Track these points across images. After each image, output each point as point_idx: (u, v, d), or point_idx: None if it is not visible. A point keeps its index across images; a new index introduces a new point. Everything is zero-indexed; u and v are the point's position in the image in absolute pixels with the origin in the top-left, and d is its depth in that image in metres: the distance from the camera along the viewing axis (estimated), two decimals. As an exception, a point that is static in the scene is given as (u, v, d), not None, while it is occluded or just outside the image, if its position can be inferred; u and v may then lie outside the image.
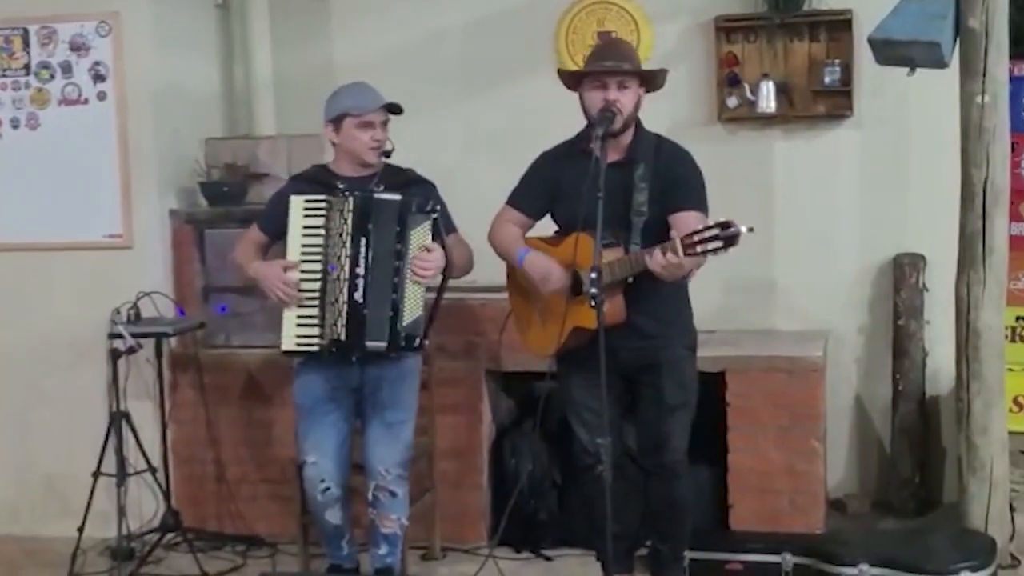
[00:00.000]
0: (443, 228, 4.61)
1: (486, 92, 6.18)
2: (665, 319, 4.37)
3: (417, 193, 4.61)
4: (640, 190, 4.25)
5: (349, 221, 4.53)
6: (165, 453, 5.59)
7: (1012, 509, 5.08)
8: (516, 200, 4.56)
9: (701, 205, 4.30)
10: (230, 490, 5.66)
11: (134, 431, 5.22)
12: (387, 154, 4.69)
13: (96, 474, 5.16)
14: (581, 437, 4.50)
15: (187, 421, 5.71)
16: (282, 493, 5.29)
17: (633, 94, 4.29)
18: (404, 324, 4.52)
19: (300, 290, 4.55)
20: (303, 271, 4.56)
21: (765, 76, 5.79)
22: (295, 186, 4.75)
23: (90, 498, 5.18)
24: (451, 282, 5.83)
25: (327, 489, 4.64)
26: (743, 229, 3.79)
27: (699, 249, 3.87)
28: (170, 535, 5.49)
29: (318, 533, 4.90)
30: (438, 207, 4.58)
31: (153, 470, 5.30)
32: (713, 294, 5.41)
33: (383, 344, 4.51)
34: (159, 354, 5.54)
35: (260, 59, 6.27)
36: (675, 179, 4.30)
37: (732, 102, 5.88)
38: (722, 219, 3.84)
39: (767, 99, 5.77)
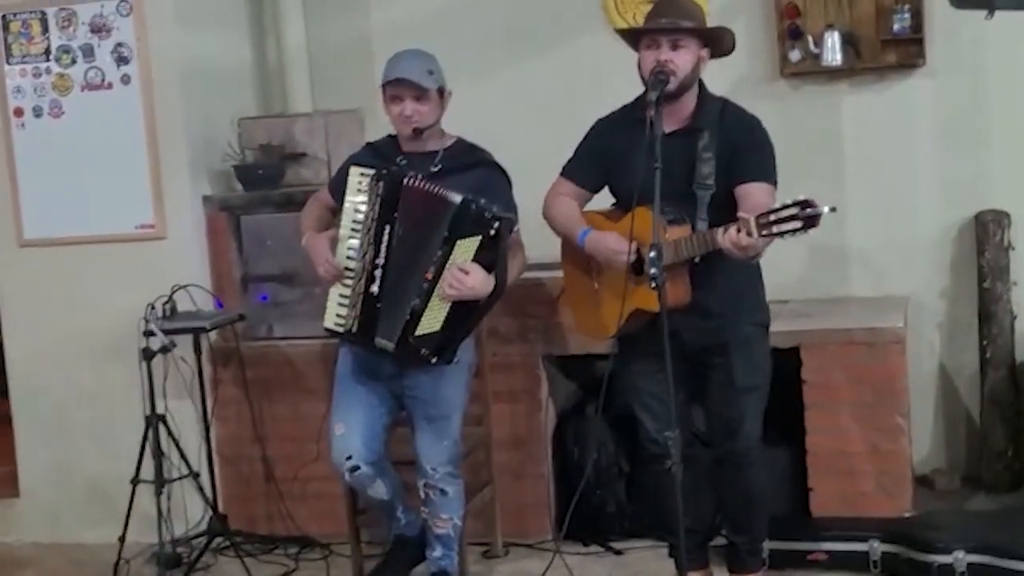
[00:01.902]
0: (505, 240, 4.15)
1: (532, 56, 5.92)
2: (732, 296, 4.07)
3: (481, 178, 4.27)
4: (705, 161, 3.95)
5: (376, 205, 4.21)
6: (209, 453, 5.40)
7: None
8: (570, 172, 4.27)
9: (769, 176, 3.98)
10: (279, 490, 5.44)
11: (171, 434, 5.03)
12: (419, 131, 4.30)
13: (135, 481, 4.99)
14: (647, 425, 4.26)
15: (231, 419, 5.51)
16: (333, 491, 5.05)
17: (690, 55, 3.96)
18: (415, 335, 4.17)
19: (346, 268, 4.27)
20: (350, 247, 4.26)
21: (829, 27, 5.49)
22: (362, 153, 4.48)
23: (130, 505, 5.01)
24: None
25: (355, 468, 4.35)
26: (825, 209, 3.49)
27: (775, 230, 3.56)
28: (218, 539, 5.29)
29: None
30: (498, 222, 4.06)
31: (195, 474, 5.09)
32: (783, 261, 5.07)
33: (390, 344, 4.21)
34: (197, 350, 5.33)
35: (292, 31, 6.05)
36: (740, 147, 3.98)
37: (795, 56, 5.59)
38: (802, 197, 3.53)
39: (832, 51, 5.48)
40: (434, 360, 4.19)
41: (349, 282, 4.27)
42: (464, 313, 4.15)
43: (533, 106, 5.87)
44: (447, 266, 4.10)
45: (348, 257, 4.27)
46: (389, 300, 4.20)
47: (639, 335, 4.00)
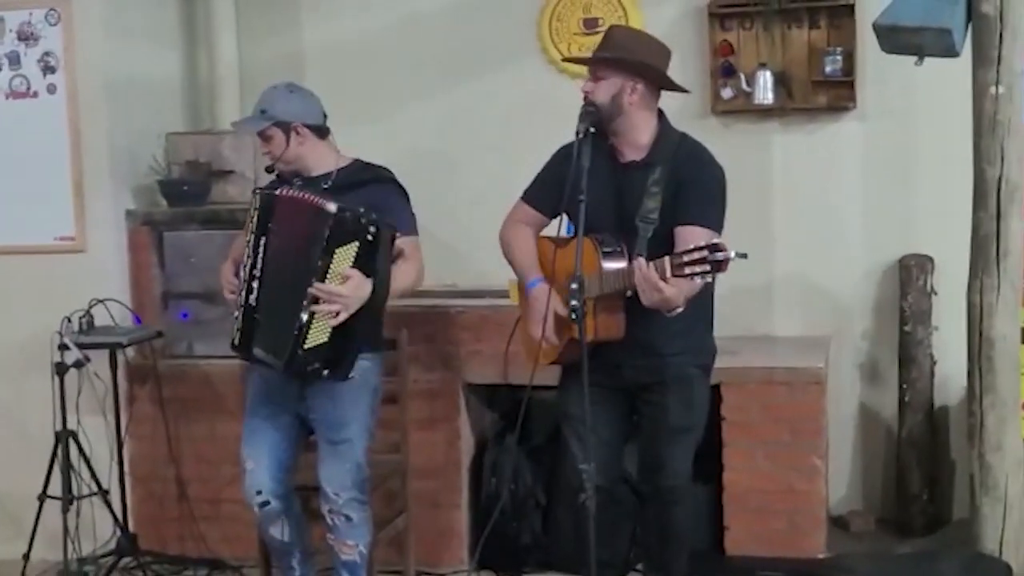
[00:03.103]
0: (390, 254, 4.15)
1: (467, 80, 5.91)
2: (676, 333, 3.99)
3: (373, 194, 4.26)
4: (652, 195, 3.92)
5: (254, 219, 4.23)
6: (121, 472, 5.29)
7: (1028, 529, 4.79)
8: (530, 197, 4.24)
9: (708, 220, 3.91)
10: (191, 510, 5.36)
11: (82, 450, 4.94)
12: (269, 168, 4.41)
13: (42, 497, 4.90)
14: (576, 454, 4.16)
15: (145, 437, 5.42)
16: (246, 514, 4.94)
17: (609, 86, 3.95)
18: (304, 348, 4.11)
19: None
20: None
21: (762, 65, 5.51)
22: (269, 182, 4.49)
23: (36, 522, 4.93)
24: (427, 286, 5.54)
25: (265, 503, 4.36)
26: (732, 254, 3.45)
27: (687, 271, 3.53)
28: (126, 559, 5.19)
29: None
30: (373, 227, 4.05)
31: (104, 492, 5.02)
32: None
33: (278, 361, 4.16)
34: (113, 366, 5.23)
35: (224, 47, 5.99)
36: (686, 185, 3.94)
37: (727, 93, 5.62)
38: (715, 240, 3.51)
39: (764, 90, 5.51)
40: (326, 373, 4.14)
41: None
42: (349, 322, 4.11)
43: (467, 129, 5.86)
44: (328, 277, 4.05)
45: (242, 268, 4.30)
46: (267, 312, 4.19)
47: (581, 364, 3.93)
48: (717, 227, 3.92)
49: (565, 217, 4.08)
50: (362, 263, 4.05)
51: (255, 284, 4.20)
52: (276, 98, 4.36)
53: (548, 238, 4.20)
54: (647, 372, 4.05)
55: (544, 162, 4.21)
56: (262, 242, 4.19)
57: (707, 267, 3.48)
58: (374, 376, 4.39)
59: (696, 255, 3.50)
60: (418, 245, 4.34)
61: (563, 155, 4.15)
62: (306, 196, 4.13)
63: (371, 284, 4.07)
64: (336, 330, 4.08)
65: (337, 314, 4.04)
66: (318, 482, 4.36)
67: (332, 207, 4.04)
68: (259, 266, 4.19)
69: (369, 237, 4.05)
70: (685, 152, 4.03)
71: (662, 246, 3.84)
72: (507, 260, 4.25)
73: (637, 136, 4.01)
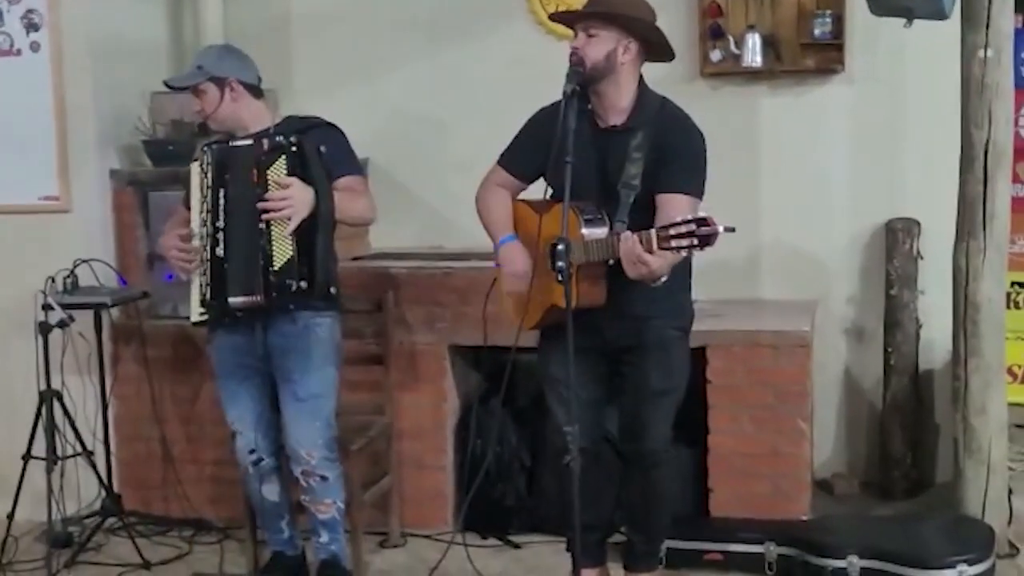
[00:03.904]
0: (321, 165, 4.22)
1: (454, 43, 5.86)
2: (654, 298, 3.96)
3: (315, 139, 4.28)
4: (634, 160, 3.88)
5: (209, 175, 4.26)
6: (106, 432, 5.28)
7: (1010, 492, 4.81)
8: (507, 161, 4.19)
9: (691, 188, 3.89)
10: (176, 471, 5.35)
11: (66, 411, 4.93)
12: (201, 128, 4.53)
13: (26, 457, 4.88)
14: (558, 416, 4.17)
15: (130, 397, 5.40)
16: (231, 475, 4.96)
17: (602, 44, 3.89)
18: (274, 270, 4.17)
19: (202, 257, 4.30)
20: (201, 237, 4.29)
21: (750, 28, 5.49)
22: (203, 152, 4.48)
23: (20, 482, 4.91)
24: (413, 248, 5.54)
25: (259, 460, 4.42)
26: (720, 229, 3.43)
27: (673, 244, 3.51)
28: (111, 519, 5.18)
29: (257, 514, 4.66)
30: (293, 141, 4.18)
31: (88, 453, 5.01)
32: (695, 261, 5.06)
33: (254, 298, 4.20)
34: (98, 326, 5.20)
35: (210, 7, 5.95)
36: (669, 151, 3.90)
37: (715, 56, 5.59)
38: (701, 214, 3.48)
39: (753, 52, 5.48)
40: (304, 285, 4.18)
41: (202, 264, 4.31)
42: (308, 232, 4.18)
43: (454, 92, 5.81)
44: (268, 191, 4.15)
45: (199, 238, 4.30)
46: (236, 257, 4.22)
47: (560, 327, 3.87)
48: (699, 194, 3.91)
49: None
50: (295, 172, 4.16)
51: (220, 236, 4.22)
52: (211, 55, 4.42)
53: (528, 202, 4.16)
54: (626, 335, 4.03)
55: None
56: (221, 194, 4.23)
57: (694, 241, 3.46)
58: (337, 334, 4.42)
59: (683, 228, 3.47)
60: (364, 182, 4.44)
61: (541, 118, 4.12)
62: (235, 142, 4.26)
63: (312, 190, 4.15)
64: (299, 241, 4.15)
65: (290, 219, 4.11)
66: (287, 444, 4.38)
67: (249, 140, 4.22)
68: (222, 218, 4.22)
69: (293, 148, 4.17)
70: (667, 117, 3.99)
71: (644, 212, 3.83)
72: (481, 222, 4.21)
73: (619, 99, 3.96)
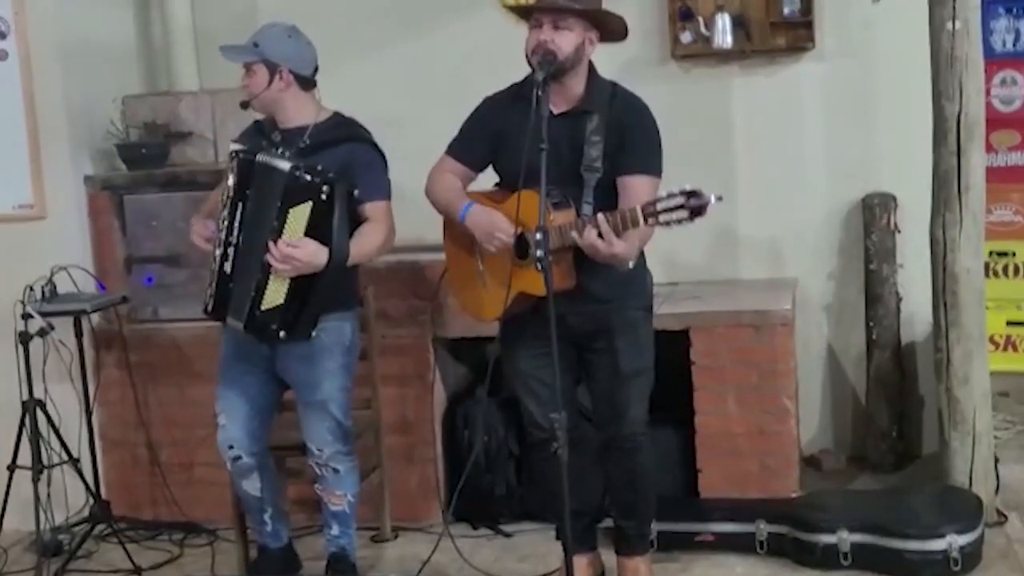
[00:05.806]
0: (347, 211, 4.09)
1: (422, 34, 5.83)
2: (619, 281, 3.99)
3: (349, 153, 4.19)
4: (593, 144, 3.90)
5: (231, 183, 4.15)
6: (91, 439, 5.25)
7: (996, 460, 4.84)
8: (455, 149, 4.19)
9: (652, 168, 3.94)
10: (164, 475, 5.34)
11: (50, 419, 4.91)
12: (244, 104, 4.29)
13: (12, 467, 4.86)
14: (532, 410, 4.20)
15: (114, 403, 5.39)
16: (220, 477, 4.94)
17: (573, 36, 3.90)
18: (261, 310, 4.11)
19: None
20: (217, 243, 4.22)
21: (719, 8, 5.49)
22: (247, 130, 4.41)
23: (6, 493, 4.90)
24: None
25: (237, 458, 4.37)
26: (712, 199, 3.47)
27: (662, 219, 3.54)
28: (100, 526, 5.16)
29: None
30: (327, 186, 4.00)
31: (74, 461, 4.98)
32: (673, 244, 5.09)
33: (238, 323, 4.17)
34: (79, 333, 5.16)
35: (178, 7, 5.89)
36: (628, 133, 3.93)
37: (686, 37, 5.58)
38: (689, 187, 3.51)
39: (723, 33, 5.48)
40: (283, 335, 4.12)
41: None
42: (305, 285, 4.09)
43: (422, 84, 5.79)
44: (283, 237, 4.02)
45: (216, 244, 4.23)
46: (239, 278, 4.15)
47: (523, 319, 3.93)
48: (659, 174, 3.94)
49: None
50: (317, 224, 4.02)
51: (231, 251, 4.14)
52: (272, 36, 4.27)
53: (482, 192, 4.16)
54: (592, 320, 4.04)
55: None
56: (239, 209, 4.12)
57: (685, 213, 3.48)
58: (347, 334, 4.36)
59: (672, 202, 3.49)
60: (388, 210, 4.28)
61: (491, 105, 4.14)
62: (266, 158, 4.08)
63: (327, 253, 4.04)
64: (293, 292, 4.07)
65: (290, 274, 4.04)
66: (302, 438, 4.39)
67: (285, 166, 4.01)
68: (235, 233, 4.13)
69: (323, 196, 4.01)
70: (622, 101, 4.01)
71: (607, 195, 3.86)
72: (434, 206, 4.19)
73: (576, 86, 3.98)
